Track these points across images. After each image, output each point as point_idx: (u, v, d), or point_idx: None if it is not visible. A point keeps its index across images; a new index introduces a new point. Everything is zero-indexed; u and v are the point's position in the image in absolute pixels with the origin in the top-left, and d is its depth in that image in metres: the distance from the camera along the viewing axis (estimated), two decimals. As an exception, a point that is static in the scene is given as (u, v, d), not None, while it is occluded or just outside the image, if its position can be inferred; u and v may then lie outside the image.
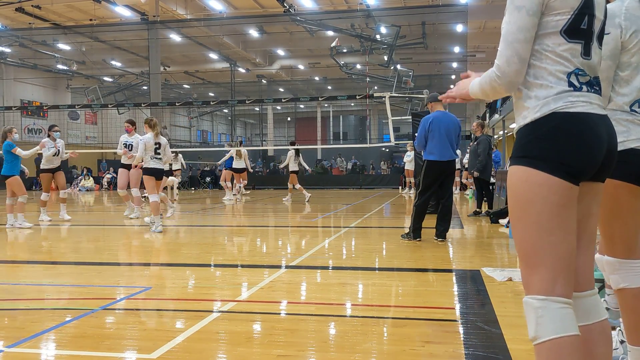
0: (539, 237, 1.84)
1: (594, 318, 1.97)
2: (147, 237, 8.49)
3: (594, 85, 1.90)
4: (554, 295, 1.81)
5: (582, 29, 1.87)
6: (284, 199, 16.93)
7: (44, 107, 29.14)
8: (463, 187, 19.18)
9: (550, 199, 1.82)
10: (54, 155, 10.62)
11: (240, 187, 17.17)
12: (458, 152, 8.47)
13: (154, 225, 8.99)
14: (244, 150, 16.71)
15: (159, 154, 9.14)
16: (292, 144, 17.79)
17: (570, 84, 1.86)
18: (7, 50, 28.72)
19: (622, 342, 2.85)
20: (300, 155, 16.39)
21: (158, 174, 9.20)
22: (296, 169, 16.37)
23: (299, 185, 16.31)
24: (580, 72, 1.87)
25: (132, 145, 11.19)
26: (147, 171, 9.15)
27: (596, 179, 1.95)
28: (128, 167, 11.14)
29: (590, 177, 1.90)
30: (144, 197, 11.72)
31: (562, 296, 1.82)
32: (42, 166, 10.71)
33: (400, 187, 23.47)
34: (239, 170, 16.70)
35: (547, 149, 1.83)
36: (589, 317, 1.97)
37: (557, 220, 1.83)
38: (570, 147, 1.82)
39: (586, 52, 1.88)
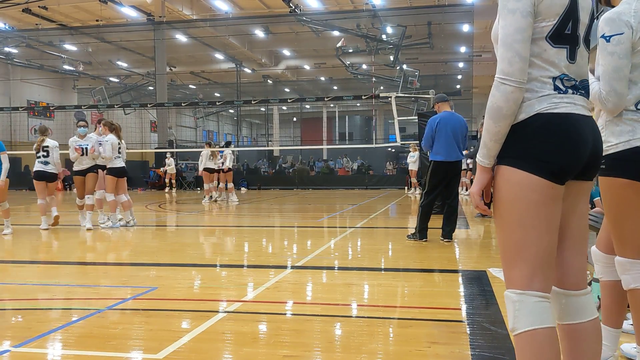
0: (518, 234, 1.89)
1: (587, 317, 2.01)
2: (153, 237, 8.51)
3: (579, 88, 1.94)
4: (531, 289, 1.87)
5: (566, 34, 1.90)
6: (204, 200, 16.57)
7: (51, 108, 29.21)
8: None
9: (530, 197, 1.86)
10: (81, 155, 9.37)
11: (218, 186, 17.00)
12: (464, 152, 8.43)
13: (110, 221, 9.68)
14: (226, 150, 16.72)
15: (120, 152, 9.83)
16: (209, 144, 17.64)
17: (556, 88, 1.89)
18: (14, 51, 28.84)
19: None
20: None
21: (122, 173, 9.82)
22: (213, 167, 16.42)
23: (213, 184, 16.60)
24: (565, 77, 1.90)
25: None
26: (111, 171, 9.69)
27: (581, 177, 1.97)
28: (102, 168, 9.92)
29: (574, 175, 1.93)
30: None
31: (540, 290, 1.88)
32: (73, 168, 9.54)
33: (406, 188, 23.42)
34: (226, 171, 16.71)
35: (528, 148, 1.86)
36: (581, 315, 2.01)
37: (537, 218, 1.87)
38: (553, 145, 1.84)
39: (572, 56, 1.92)
